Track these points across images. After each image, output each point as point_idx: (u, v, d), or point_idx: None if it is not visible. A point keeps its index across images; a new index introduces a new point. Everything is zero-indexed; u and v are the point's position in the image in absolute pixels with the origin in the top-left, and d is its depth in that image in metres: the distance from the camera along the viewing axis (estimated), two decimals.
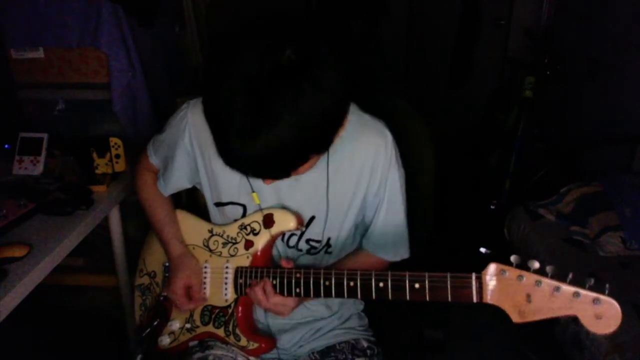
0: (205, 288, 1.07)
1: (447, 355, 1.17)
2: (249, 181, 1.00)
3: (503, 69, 3.80)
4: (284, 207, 1.01)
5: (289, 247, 1.05)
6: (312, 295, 0.93)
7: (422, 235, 1.29)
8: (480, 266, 0.82)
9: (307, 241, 1.04)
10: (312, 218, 1.02)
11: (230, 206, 1.05)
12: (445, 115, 3.70)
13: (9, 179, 1.45)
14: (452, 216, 2.77)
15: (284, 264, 0.96)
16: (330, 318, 1.13)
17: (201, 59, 2.39)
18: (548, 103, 3.13)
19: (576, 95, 2.99)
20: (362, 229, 1.11)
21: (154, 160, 1.14)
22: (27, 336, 1.76)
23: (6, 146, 1.58)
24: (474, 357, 2.00)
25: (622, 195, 2.00)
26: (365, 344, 1.13)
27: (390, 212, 1.04)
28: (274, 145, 0.73)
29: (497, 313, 0.82)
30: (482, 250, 2.60)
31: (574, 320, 0.77)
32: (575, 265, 1.85)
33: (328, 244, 1.05)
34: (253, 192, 1.00)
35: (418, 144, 1.27)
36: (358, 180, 1.01)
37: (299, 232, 1.03)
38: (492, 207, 2.99)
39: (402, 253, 1.10)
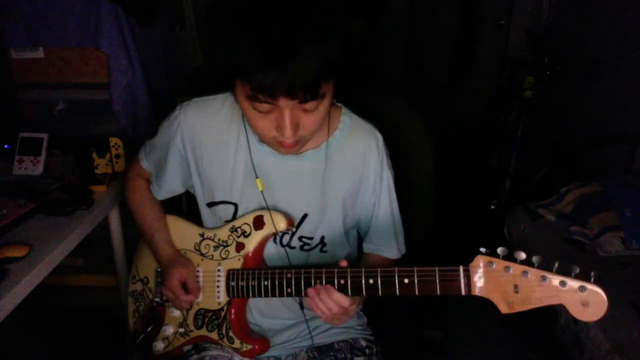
0: (198, 283, 1.07)
1: (447, 355, 1.17)
2: (253, 166, 1.00)
3: (503, 69, 3.80)
4: (274, 209, 1.01)
5: (282, 245, 1.05)
6: (303, 295, 0.94)
7: (421, 234, 1.30)
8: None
9: (300, 238, 1.05)
10: (305, 216, 1.03)
11: (222, 205, 1.05)
12: (445, 115, 3.71)
13: (9, 179, 1.45)
14: (452, 216, 2.77)
15: (343, 264, 0.93)
16: None
17: (201, 59, 2.39)
18: (548, 103, 3.13)
19: (576, 95, 2.99)
20: (359, 230, 1.13)
21: (146, 164, 1.14)
22: (27, 336, 1.76)
23: (6, 146, 1.58)
24: (473, 357, 2.00)
25: (622, 195, 2.00)
26: (364, 343, 1.13)
27: (387, 210, 1.07)
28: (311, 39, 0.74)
29: (496, 314, 0.83)
30: (482, 250, 2.59)
31: (574, 320, 0.77)
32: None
33: (323, 243, 1.06)
34: (257, 177, 1.00)
35: (418, 143, 1.27)
36: (351, 180, 1.03)
37: (290, 232, 1.04)
38: (492, 207, 2.99)
39: (401, 248, 1.12)
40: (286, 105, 0.82)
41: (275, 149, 0.93)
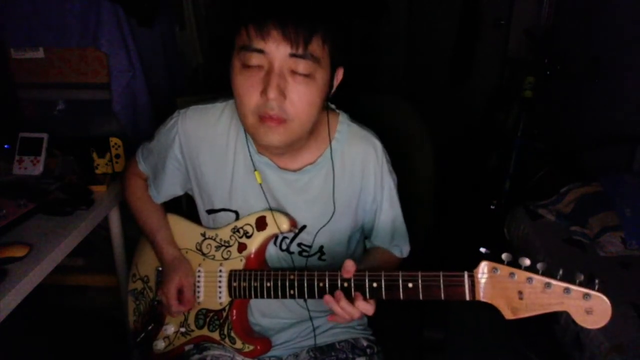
0: (198, 292, 1.07)
1: (447, 356, 1.17)
2: (252, 160, 0.99)
3: (503, 69, 3.80)
4: (276, 210, 1.01)
5: (281, 249, 1.05)
6: (306, 297, 0.93)
7: (421, 234, 1.30)
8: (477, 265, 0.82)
9: (299, 245, 1.05)
10: (304, 227, 1.03)
11: (222, 213, 1.05)
12: (444, 115, 3.70)
13: (9, 179, 1.45)
14: (452, 216, 2.77)
15: (345, 273, 0.90)
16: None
17: (201, 59, 2.39)
18: (548, 103, 3.13)
19: (576, 95, 2.99)
20: (360, 236, 1.13)
21: (143, 167, 1.14)
22: (27, 336, 1.76)
23: (6, 146, 1.58)
24: (474, 357, 2.00)
25: (622, 195, 2.00)
26: (364, 343, 1.13)
27: (389, 217, 1.07)
28: None
29: (497, 313, 0.83)
30: (482, 250, 2.59)
31: (574, 320, 0.77)
32: (575, 266, 1.85)
33: (321, 252, 1.06)
34: (255, 170, 0.99)
35: (418, 143, 1.28)
36: (351, 190, 1.02)
37: (291, 235, 1.03)
38: (492, 207, 2.99)
39: (404, 251, 1.12)
40: (276, 55, 0.82)
41: (260, 137, 0.88)
